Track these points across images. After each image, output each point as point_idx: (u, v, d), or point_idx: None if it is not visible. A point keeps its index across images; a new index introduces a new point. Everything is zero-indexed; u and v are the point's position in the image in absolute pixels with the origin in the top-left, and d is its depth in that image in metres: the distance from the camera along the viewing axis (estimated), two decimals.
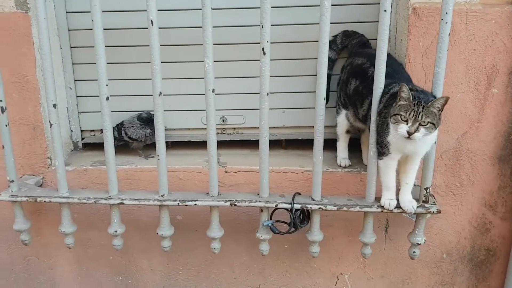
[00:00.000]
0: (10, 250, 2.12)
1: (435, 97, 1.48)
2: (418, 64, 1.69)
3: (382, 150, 1.57)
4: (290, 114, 2.07)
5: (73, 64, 2.03)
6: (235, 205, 1.72)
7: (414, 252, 1.77)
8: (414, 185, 1.77)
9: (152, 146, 2.09)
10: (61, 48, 1.99)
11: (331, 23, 1.88)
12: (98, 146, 2.12)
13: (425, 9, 1.63)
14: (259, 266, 2.07)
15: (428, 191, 1.66)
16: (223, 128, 2.12)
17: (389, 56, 1.61)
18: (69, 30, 1.97)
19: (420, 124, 1.41)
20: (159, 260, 2.09)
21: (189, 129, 2.13)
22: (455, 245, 1.93)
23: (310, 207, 1.70)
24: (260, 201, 1.72)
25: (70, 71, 2.03)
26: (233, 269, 2.09)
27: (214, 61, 2.03)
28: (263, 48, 1.54)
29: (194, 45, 1.98)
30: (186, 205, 1.73)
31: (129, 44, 2.00)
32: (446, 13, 1.45)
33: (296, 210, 1.72)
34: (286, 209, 1.71)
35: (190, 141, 2.10)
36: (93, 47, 2.01)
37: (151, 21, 1.55)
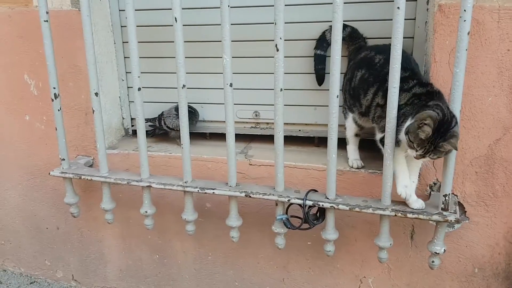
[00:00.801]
0: (67, 221, 2.40)
1: (454, 116, 1.42)
2: (444, 64, 1.60)
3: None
4: (322, 111, 2.06)
5: (124, 57, 2.22)
6: (250, 196, 1.78)
7: (433, 261, 1.68)
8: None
9: (192, 135, 2.23)
10: (114, 43, 2.19)
11: (344, 21, 1.89)
12: (147, 134, 2.30)
13: (452, 6, 1.54)
14: (283, 260, 2.10)
15: (447, 198, 1.57)
16: (257, 123, 2.18)
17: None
18: (121, 26, 2.17)
19: (428, 156, 1.44)
20: (191, 243, 2.22)
21: (224, 121, 2.21)
22: (488, 259, 1.79)
23: (322, 205, 1.70)
24: (274, 195, 1.76)
25: (122, 64, 2.23)
26: (258, 260, 2.14)
27: (248, 57, 2.13)
28: (276, 45, 1.57)
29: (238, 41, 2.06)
30: (205, 193, 1.83)
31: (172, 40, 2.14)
32: (465, 10, 1.36)
33: (310, 206, 1.73)
34: (300, 204, 1.73)
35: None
36: (142, 42, 2.22)
37: (175, 18, 1.66)
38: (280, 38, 1.56)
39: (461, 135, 1.65)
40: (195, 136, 2.24)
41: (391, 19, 1.43)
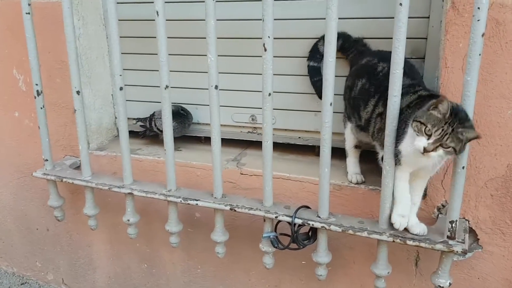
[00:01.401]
0: (56, 223, 2.30)
1: (468, 118, 1.22)
2: (457, 70, 1.39)
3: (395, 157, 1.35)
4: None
5: None
6: (235, 210, 1.61)
7: None
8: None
9: (186, 139, 2.09)
10: (107, 38, 2.07)
11: (349, 18, 1.70)
12: (138, 135, 2.18)
13: (467, 3, 1.32)
14: (275, 279, 1.93)
15: (454, 225, 1.36)
16: (254, 127, 2.01)
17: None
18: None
19: (441, 145, 1.20)
20: (180, 254, 2.08)
21: (222, 125, 2.04)
22: None
23: (312, 224, 1.52)
24: (261, 210, 1.59)
25: None
26: (249, 277, 1.98)
27: (246, 56, 1.96)
28: (264, 44, 1.40)
29: (231, 38, 1.90)
30: (188, 203, 1.68)
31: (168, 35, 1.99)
32: (479, 8, 1.16)
33: (299, 225, 1.55)
34: (289, 222, 1.55)
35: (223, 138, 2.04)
36: (137, 37, 2.09)
37: (157, 12, 1.52)
38: (269, 36, 1.39)
39: (475, 152, 1.44)
40: (188, 139, 2.09)
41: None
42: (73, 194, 2.16)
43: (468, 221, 1.51)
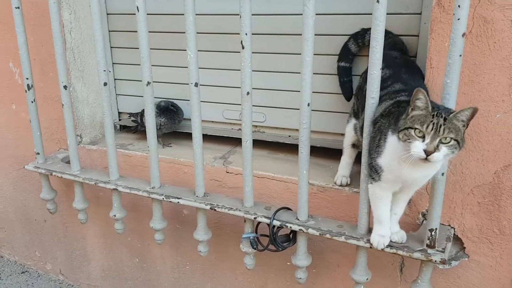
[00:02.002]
0: (53, 215, 2.32)
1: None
2: (442, 71, 1.31)
3: (371, 174, 1.26)
4: (314, 116, 1.79)
5: (111, 47, 2.09)
6: (215, 209, 1.59)
7: None
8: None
9: (177, 135, 2.07)
10: None
11: (357, 14, 1.64)
12: (130, 129, 2.18)
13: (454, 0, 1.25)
14: (261, 279, 1.90)
15: (434, 234, 1.30)
16: None
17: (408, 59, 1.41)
18: (107, 14, 2.03)
19: (441, 141, 1.06)
20: (169, 251, 2.07)
21: (212, 121, 2.03)
22: None
23: (290, 227, 1.48)
24: (240, 210, 1.56)
25: (108, 55, 2.10)
26: (236, 276, 1.96)
27: (236, 52, 1.92)
28: (242, 41, 1.36)
29: (220, 33, 1.87)
30: (170, 201, 1.66)
31: (162, 30, 1.98)
32: (459, 6, 1.09)
33: (279, 227, 1.52)
34: (268, 224, 1.52)
35: (214, 135, 2.02)
36: (131, 31, 2.07)
37: (137, 7, 1.49)
38: (246, 34, 1.35)
39: (461, 158, 1.37)
40: (181, 135, 2.07)
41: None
42: (68, 187, 2.18)
43: (454, 228, 1.45)
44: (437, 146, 1.05)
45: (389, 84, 1.32)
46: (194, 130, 1.56)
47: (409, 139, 1.08)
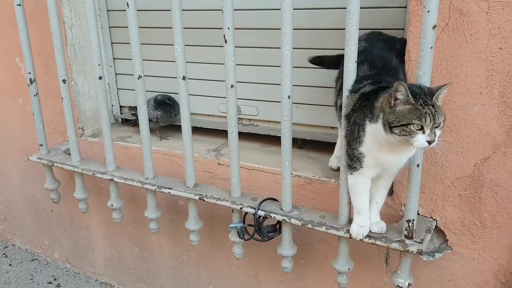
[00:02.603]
0: (59, 204, 2.40)
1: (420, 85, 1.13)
2: None
3: (352, 163, 1.28)
4: (305, 110, 1.84)
5: (112, 43, 2.15)
6: (204, 200, 1.63)
7: None
8: (419, 214, 1.46)
9: (174, 128, 2.12)
10: (101, 28, 2.13)
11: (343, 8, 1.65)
12: (129, 122, 2.24)
13: None
14: (253, 269, 1.94)
15: (411, 224, 1.31)
16: (240, 118, 2.01)
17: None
18: (108, 10, 2.10)
19: (435, 127, 1.10)
20: (167, 240, 2.13)
21: (208, 115, 2.08)
22: None
23: (274, 217, 1.51)
24: (227, 201, 1.60)
25: (109, 50, 2.16)
26: (230, 266, 2.00)
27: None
28: (224, 36, 1.40)
29: (213, 28, 1.90)
30: (162, 191, 1.72)
31: (159, 25, 2.03)
32: None
33: (264, 217, 1.55)
34: (253, 214, 1.56)
35: (209, 128, 2.06)
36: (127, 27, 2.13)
37: (127, 3, 1.54)
38: (228, 28, 1.39)
39: (441, 150, 1.38)
40: (177, 128, 2.10)
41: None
42: (72, 177, 2.25)
43: (436, 221, 1.46)
44: (434, 132, 1.10)
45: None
46: (183, 122, 1.61)
47: (410, 134, 1.09)
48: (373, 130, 1.18)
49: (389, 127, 1.12)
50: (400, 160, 1.23)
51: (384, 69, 1.31)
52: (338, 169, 1.60)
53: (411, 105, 1.08)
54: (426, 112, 1.07)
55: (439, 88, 1.10)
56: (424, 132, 1.08)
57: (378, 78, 1.26)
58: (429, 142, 1.08)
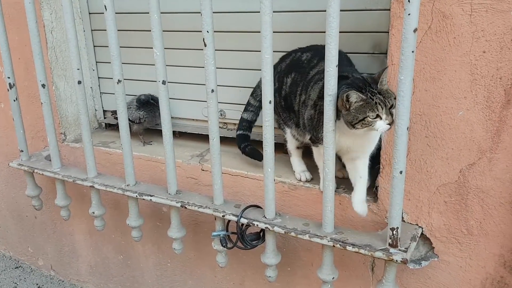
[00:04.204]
0: (42, 211, 2.35)
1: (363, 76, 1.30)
2: None
3: (318, 141, 1.42)
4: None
5: (94, 46, 2.11)
6: (185, 207, 1.59)
7: None
8: (405, 221, 1.43)
9: (159, 132, 2.07)
10: (84, 31, 2.09)
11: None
12: (113, 127, 2.20)
13: None
14: (238, 277, 1.90)
15: (395, 232, 1.28)
16: (224, 123, 1.98)
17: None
18: (89, 13, 2.06)
19: (389, 109, 1.22)
20: (151, 248, 2.09)
21: (192, 119, 2.04)
22: None
23: (257, 225, 1.48)
24: (210, 208, 1.56)
25: (92, 53, 2.12)
26: (215, 273, 1.96)
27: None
28: (204, 39, 1.36)
29: (197, 31, 1.86)
30: (143, 199, 1.67)
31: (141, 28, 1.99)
32: (409, 1, 1.07)
33: (247, 225, 1.52)
34: (236, 222, 1.52)
35: (193, 133, 2.02)
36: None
37: (105, 6, 1.50)
38: (207, 31, 1.35)
39: (425, 156, 1.34)
40: (161, 133, 2.07)
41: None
42: (54, 183, 2.21)
43: (422, 228, 1.42)
44: (391, 114, 1.21)
45: (315, 63, 1.46)
46: (164, 128, 1.57)
47: (370, 124, 1.22)
48: (338, 127, 1.28)
49: (351, 124, 1.24)
50: (367, 144, 1.38)
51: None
52: (307, 180, 1.62)
53: (362, 101, 1.20)
54: (376, 102, 1.20)
55: (380, 74, 1.23)
56: (381, 118, 1.21)
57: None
58: (390, 124, 1.21)
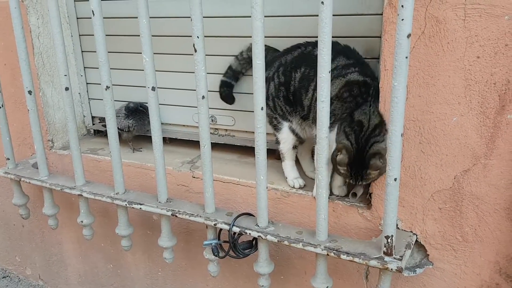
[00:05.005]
0: (30, 220, 2.31)
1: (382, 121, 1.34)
2: None
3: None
4: None
5: (82, 51, 2.08)
6: (176, 216, 1.56)
7: None
8: (399, 228, 1.41)
9: (149, 139, 2.04)
10: (71, 36, 2.05)
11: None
12: (102, 134, 2.16)
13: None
14: (231, 286, 1.87)
15: (390, 241, 1.26)
16: (215, 129, 1.95)
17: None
18: (77, 18, 2.02)
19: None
20: (141, 257, 2.05)
21: (183, 125, 2.01)
22: None
23: (250, 233, 1.45)
24: (201, 216, 1.53)
25: (80, 59, 2.08)
26: (207, 283, 1.93)
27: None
28: (194, 45, 1.34)
29: (187, 36, 1.84)
30: (133, 207, 1.64)
31: (126, 33, 1.96)
32: (402, 6, 1.05)
33: (239, 234, 1.49)
34: (228, 230, 1.49)
35: (184, 139, 1.99)
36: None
37: (93, 11, 1.47)
38: (198, 37, 1.33)
39: (419, 162, 1.33)
40: (151, 140, 2.04)
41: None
42: (42, 192, 2.16)
43: (416, 235, 1.40)
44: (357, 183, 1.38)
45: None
46: (154, 135, 1.54)
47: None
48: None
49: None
50: None
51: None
52: (300, 187, 1.60)
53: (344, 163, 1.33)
54: (351, 175, 1.35)
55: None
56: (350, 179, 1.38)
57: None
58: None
